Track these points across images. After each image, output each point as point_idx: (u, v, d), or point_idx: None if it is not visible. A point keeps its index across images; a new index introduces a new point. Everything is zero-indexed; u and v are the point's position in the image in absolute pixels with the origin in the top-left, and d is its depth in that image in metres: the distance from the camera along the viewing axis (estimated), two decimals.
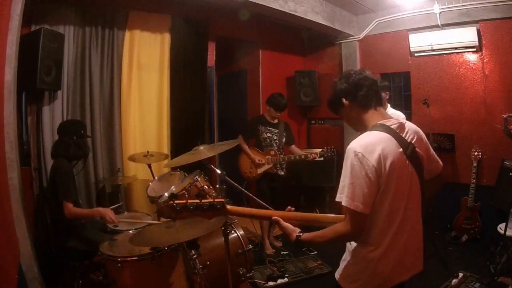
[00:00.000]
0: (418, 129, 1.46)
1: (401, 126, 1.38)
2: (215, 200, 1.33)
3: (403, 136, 1.36)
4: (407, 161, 1.32)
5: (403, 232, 1.32)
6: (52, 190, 2.51)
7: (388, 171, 1.25)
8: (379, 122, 1.37)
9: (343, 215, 1.29)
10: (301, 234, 1.34)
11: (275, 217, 1.39)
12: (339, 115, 1.53)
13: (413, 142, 1.37)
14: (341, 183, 1.29)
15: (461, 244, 3.71)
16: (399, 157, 1.29)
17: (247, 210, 1.46)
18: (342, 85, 1.45)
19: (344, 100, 1.44)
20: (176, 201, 1.31)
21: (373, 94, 1.42)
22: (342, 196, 1.26)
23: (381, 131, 1.32)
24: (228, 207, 1.36)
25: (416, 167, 1.35)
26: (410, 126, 1.43)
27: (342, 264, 1.45)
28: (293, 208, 1.48)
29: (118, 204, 2.97)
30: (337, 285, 1.44)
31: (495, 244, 3.08)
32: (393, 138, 1.31)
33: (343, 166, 1.29)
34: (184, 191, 2.22)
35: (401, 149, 1.30)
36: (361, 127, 1.45)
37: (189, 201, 1.32)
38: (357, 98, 1.42)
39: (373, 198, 1.25)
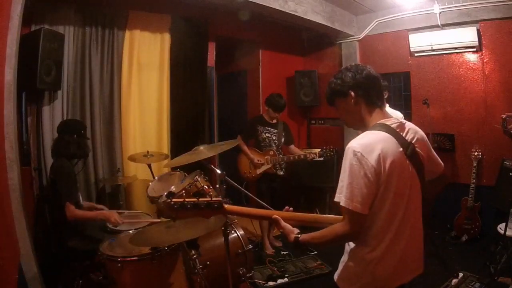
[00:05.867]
0: (419, 129, 1.42)
1: (401, 125, 1.34)
2: (213, 199, 1.30)
3: (403, 135, 1.33)
4: (408, 161, 1.29)
5: (402, 233, 1.29)
6: (53, 189, 2.51)
7: (388, 171, 1.22)
8: (379, 122, 1.33)
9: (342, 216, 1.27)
10: (300, 235, 1.31)
11: (275, 216, 1.35)
12: (336, 106, 1.45)
13: (413, 142, 1.33)
14: (339, 183, 1.25)
15: (461, 244, 3.70)
16: (399, 157, 1.26)
17: (245, 209, 1.42)
18: (354, 76, 1.36)
19: (351, 93, 1.36)
20: (173, 199, 1.29)
21: (382, 93, 1.40)
22: (340, 196, 1.23)
23: (381, 130, 1.29)
24: (226, 206, 1.32)
25: (416, 168, 1.32)
26: (410, 126, 1.39)
27: (341, 266, 1.41)
28: (291, 208, 1.44)
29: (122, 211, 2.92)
30: (336, 287, 1.41)
31: (495, 244, 3.07)
32: (393, 138, 1.27)
33: (342, 165, 1.26)
34: (184, 191, 2.22)
35: (401, 149, 1.27)
36: (360, 125, 1.41)
37: (187, 199, 1.29)
38: (369, 94, 1.36)
39: (372, 198, 1.23)
